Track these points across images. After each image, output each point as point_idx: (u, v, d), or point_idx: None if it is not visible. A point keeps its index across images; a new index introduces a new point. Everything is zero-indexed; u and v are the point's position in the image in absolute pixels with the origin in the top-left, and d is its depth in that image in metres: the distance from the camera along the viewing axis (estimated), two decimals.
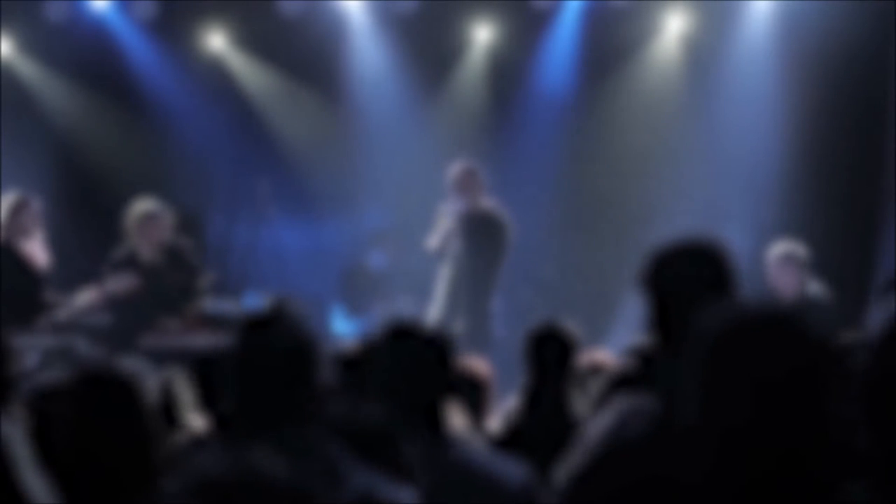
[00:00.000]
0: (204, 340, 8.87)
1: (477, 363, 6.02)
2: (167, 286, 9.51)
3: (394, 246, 11.43)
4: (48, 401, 3.49)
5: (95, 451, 3.10)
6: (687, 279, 3.23)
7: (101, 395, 3.15)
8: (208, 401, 4.28)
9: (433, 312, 9.98)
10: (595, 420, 2.85)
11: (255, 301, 10.49)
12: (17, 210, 9.50)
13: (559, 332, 5.36)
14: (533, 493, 3.38)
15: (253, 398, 3.37)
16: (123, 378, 3.17)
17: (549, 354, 5.25)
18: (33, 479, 2.91)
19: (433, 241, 10.02)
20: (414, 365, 3.38)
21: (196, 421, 4.14)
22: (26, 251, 9.50)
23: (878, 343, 2.26)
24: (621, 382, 3.63)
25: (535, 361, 5.30)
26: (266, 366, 3.37)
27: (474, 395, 5.36)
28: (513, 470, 3.38)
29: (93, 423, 3.12)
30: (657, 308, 3.24)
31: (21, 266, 9.41)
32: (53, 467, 3.04)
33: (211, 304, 9.72)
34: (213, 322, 9.39)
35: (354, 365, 4.12)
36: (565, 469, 2.78)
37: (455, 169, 9.91)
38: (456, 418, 3.97)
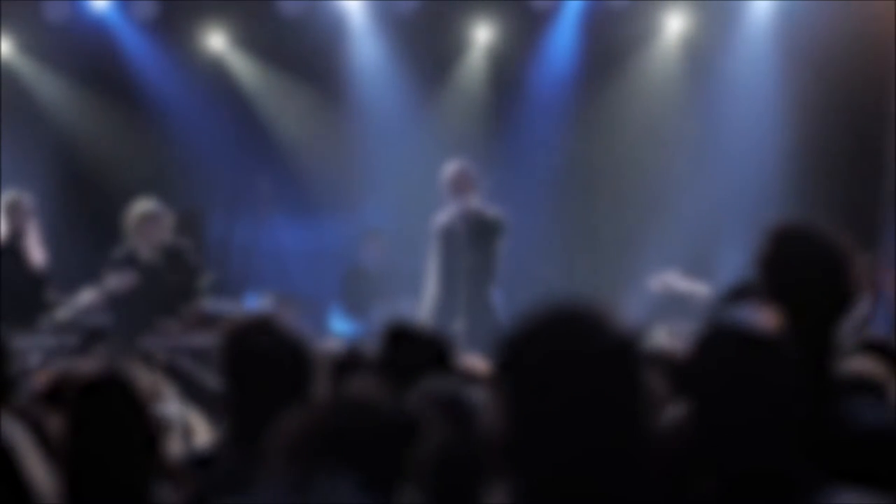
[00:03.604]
0: (204, 340, 8.87)
1: (475, 361, 6.02)
2: (167, 286, 9.50)
3: (385, 244, 11.36)
4: (51, 400, 3.50)
5: (98, 453, 3.11)
6: (809, 262, 3.10)
7: (104, 398, 3.16)
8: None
9: (428, 313, 9.96)
10: None
11: (255, 301, 10.48)
12: (11, 209, 9.50)
13: None
14: None
15: (245, 401, 3.38)
16: (126, 380, 3.18)
17: None
18: (37, 478, 2.92)
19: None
20: (413, 366, 3.36)
21: (198, 424, 4.15)
22: (25, 250, 9.51)
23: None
24: None
25: None
26: (257, 371, 3.37)
27: None
28: None
29: (96, 425, 3.12)
30: (775, 291, 3.06)
31: (22, 266, 9.41)
32: (56, 467, 3.05)
33: (211, 304, 9.72)
34: (213, 322, 9.38)
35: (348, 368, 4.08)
36: None
37: (449, 170, 9.91)
38: None
